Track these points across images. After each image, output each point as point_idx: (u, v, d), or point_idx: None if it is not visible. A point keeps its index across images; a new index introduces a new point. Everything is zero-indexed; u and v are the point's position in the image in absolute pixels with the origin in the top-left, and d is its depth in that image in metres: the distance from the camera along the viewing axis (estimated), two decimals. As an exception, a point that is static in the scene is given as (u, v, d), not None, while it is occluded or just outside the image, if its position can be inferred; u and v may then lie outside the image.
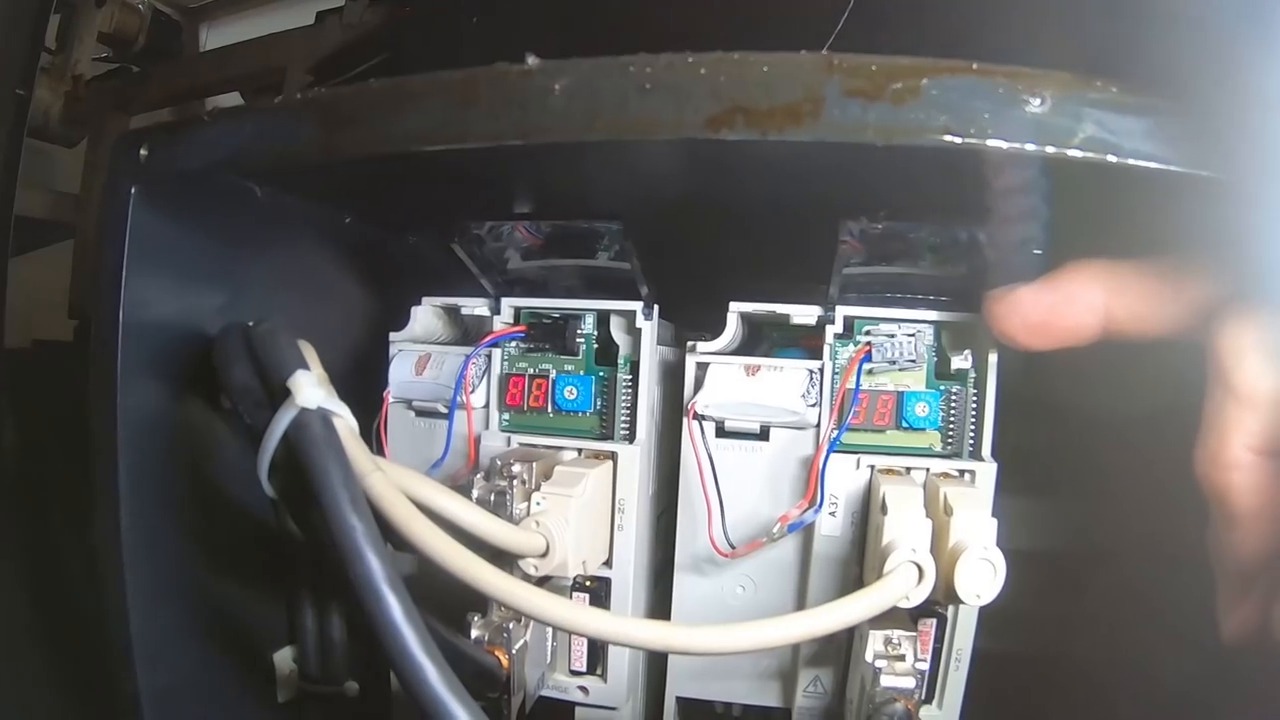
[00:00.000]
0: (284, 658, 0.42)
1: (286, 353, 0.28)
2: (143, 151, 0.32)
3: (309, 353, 0.29)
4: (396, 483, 0.26)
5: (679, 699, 0.38)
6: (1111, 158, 0.23)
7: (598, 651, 0.36)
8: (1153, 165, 0.23)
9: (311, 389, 0.26)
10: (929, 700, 0.35)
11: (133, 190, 0.32)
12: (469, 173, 0.30)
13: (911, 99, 0.23)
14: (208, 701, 0.39)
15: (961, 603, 0.29)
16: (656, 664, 0.38)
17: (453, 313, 0.39)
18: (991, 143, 0.23)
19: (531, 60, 0.24)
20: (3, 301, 0.71)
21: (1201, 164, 0.23)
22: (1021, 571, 0.29)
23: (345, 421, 0.27)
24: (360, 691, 0.41)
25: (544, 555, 0.30)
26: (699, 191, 0.31)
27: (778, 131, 0.23)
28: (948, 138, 0.23)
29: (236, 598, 0.40)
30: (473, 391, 0.36)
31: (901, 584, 0.28)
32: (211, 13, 0.97)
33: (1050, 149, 0.23)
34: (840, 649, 0.35)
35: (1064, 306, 0.28)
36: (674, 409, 0.37)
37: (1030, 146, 0.23)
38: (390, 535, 0.26)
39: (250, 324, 0.33)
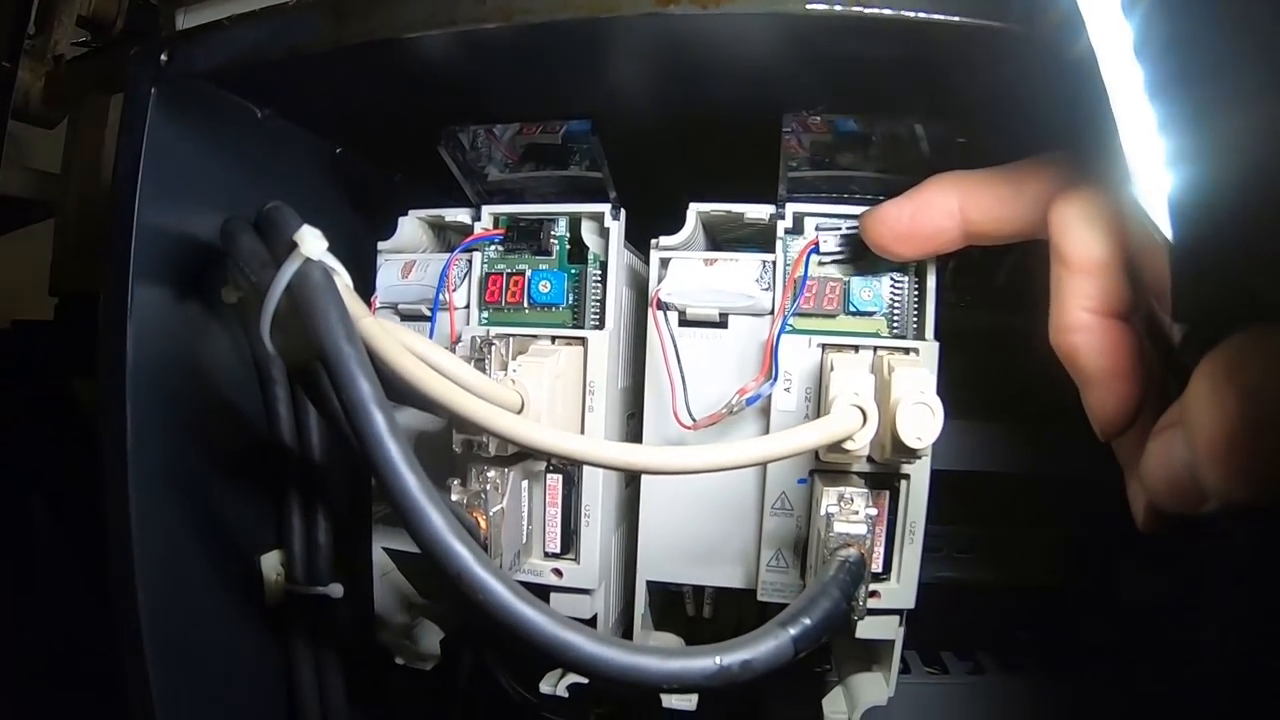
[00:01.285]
0: (270, 561, 0.45)
1: (292, 219, 0.32)
2: (163, 56, 0.37)
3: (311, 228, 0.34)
4: (386, 328, 0.31)
5: (649, 583, 0.42)
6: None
7: (571, 534, 0.40)
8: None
9: (315, 241, 0.30)
10: (885, 575, 0.39)
11: (152, 92, 0.37)
12: (457, 68, 0.35)
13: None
14: (201, 604, 0.43)
15: (908, 451, 0.33)
16: (628, 549, 0.43)
17: (437, 226, 0.44)
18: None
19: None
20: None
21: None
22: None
23: (342, 278, 0.31)
24: (344, 593, 0.45)
25: (519, 411, 0.34)
26: (659, 87, 0.36)
27: (715, 5, 0.28)
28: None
29: (228, 502, 0.44)
30: (455, 291, 0.41)
31: (847, 420, 0.32)
32: (189, -1, 1.03)
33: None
34: (800, 522, 0.40)
35: (922, 213, 0.33)
36: (642, 320, 0.42)
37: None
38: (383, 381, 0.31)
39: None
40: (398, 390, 0.31)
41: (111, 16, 0.91)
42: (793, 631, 0.29)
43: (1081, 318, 0.28)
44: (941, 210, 0.33)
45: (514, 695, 0.50)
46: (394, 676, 0.46)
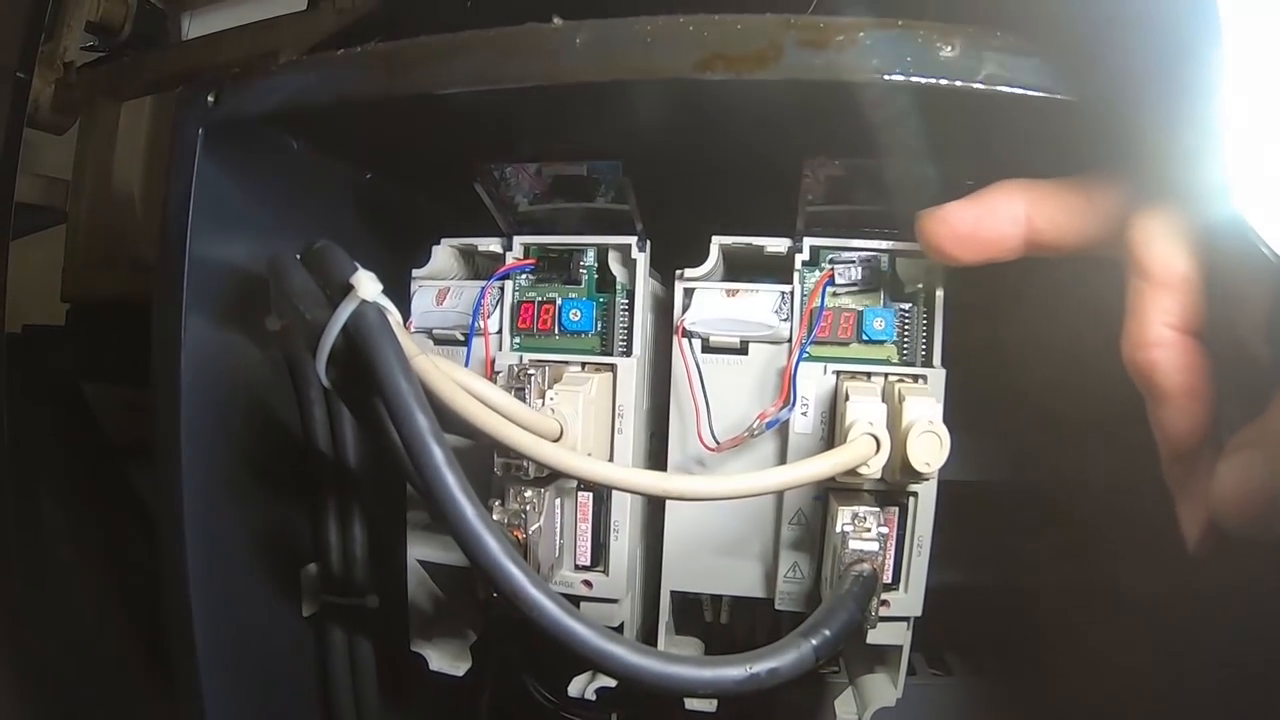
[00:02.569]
0: (309, 572, 0.49)
1: (345, 260, 0.36)
2: (210, 98, 0.40)
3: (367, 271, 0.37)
4: (438, 365, 0.35)
5: (673, 593, 0.46)
6: (1005, 89, 0.32)
7: (600, 547, 0.44)
8: (1038, 94, 0.32)
9: (371, 284, 0.34)
10: (894, 585, 0.43)
11: (200, 133, 0.40)
12: (498, 116, 0.38)
13: (851, 47, 0.32)
14: (245, 614, 0.47)
15: (916, 475, 0.37)
16: (653, 561, 0.46)
17: (467, 253, 0.48)
18: (914, 79, 0.32)
19: (557, 20, 0.32)
20: (4, 286, 0.78)
21: (1077, 91, 0.32)
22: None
23: (394, 316, 0.35)
24: (380, 604, 0.49)
25: (558, 438, 0.38)
26: (687, 132, 0.40)
27: (748, 72, 0.32)
28: (880, 76, 0.32)
29: (269, 517, 0.48)
30: (488, 318, 0.45)
31: (861, 449, 0.36)
32: (193, 1, 1.06)
33: (959, 83, 0.32)
34: (815, 537, 0.43)
35: (988, 218, 0.34)
36: (663, 343, 0.46)
37: (943, 81, 0.32)
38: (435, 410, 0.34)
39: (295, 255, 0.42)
40: (448, 421, 0.35)
41: (119, 21, 0.94)
42: (814, 642, 0.33)
43: (1163, 333, 0.29)
44: (1007, 217, 0.33)
45: (538, 697, 0.54)
46: (429, 682, 0.50)
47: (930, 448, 0.37)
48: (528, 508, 0.40)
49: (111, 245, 0.89)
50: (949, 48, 0.32)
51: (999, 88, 0.32)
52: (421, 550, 0.48)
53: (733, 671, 0.32)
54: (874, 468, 0.37)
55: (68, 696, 0.90)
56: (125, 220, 0.91)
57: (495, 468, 0.39)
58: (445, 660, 0.49)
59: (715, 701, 0.46)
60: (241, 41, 0.86)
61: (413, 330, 0.46)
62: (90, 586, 0.94)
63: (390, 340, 0.33)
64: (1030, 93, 0.32)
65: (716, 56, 0.32)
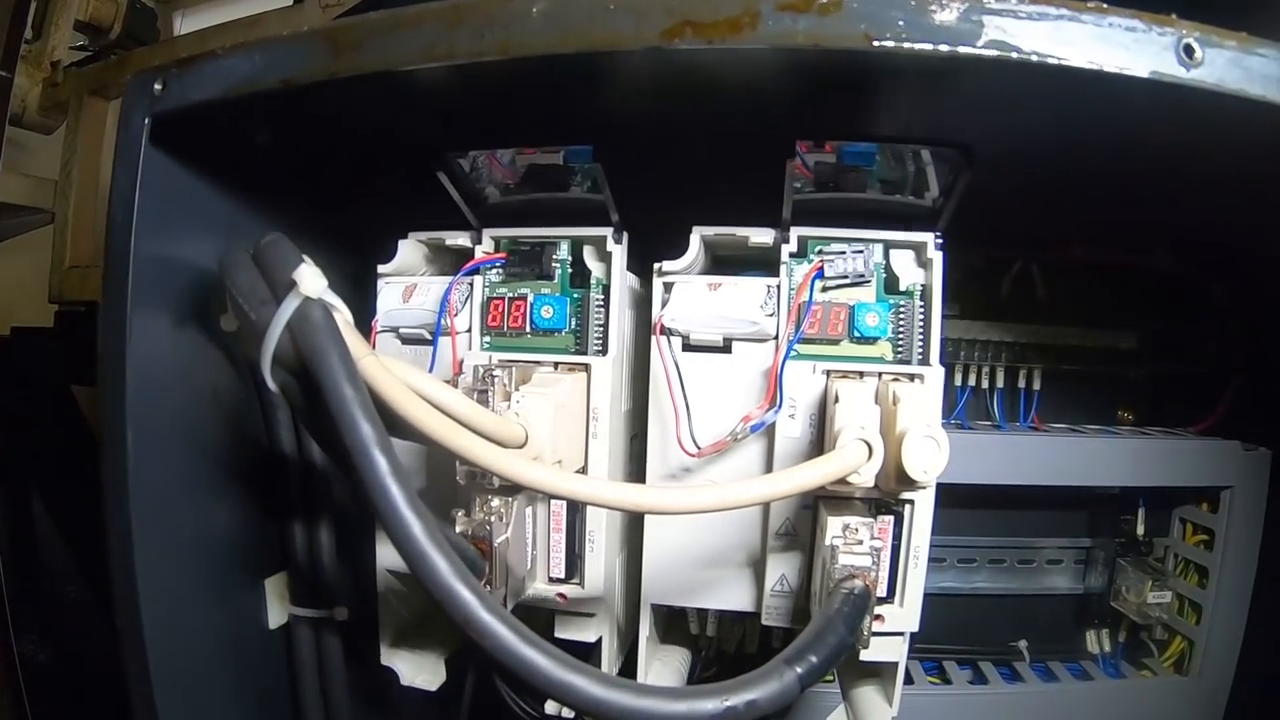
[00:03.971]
0: (275, 583, 0.45)
1: (291, 254, 0.32)
2: (157, 86, 0.36)
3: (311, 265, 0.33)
4: (388, 367, 0.31)
5: (654, 607, 0.42)
6: (1014, 55, 0.28)
7: (575, 559, 0.40)
8: (1053, 62, 0.28)
9: (314, 279, 0.30)
10: (889, 599, 0.39)
11: (146, 121, 0.36)
12: (454, 97, 0.34)
13: (835, 10, 0.28)
14: (205, 626, 0.43)
15: (912, 482, 0.33)
16: (632, 573, 0.42)
17: (437, 248, 0.44)
18: (907, 45, 0.28)
19: (510, -14, 0.28)
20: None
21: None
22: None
23: (342, 314, 0.31)
24: (348, 616, 0.45)
25: (522, 445, 0.34)
26: (660, 113, 0.36)
27: (721, 40, 0.28)
28: (871, 43, 0.28)
29: (231, 525, 0.44)
30: (456, 316, 0.41)
31: (852, 456, 0.32)
32: (184, 1, 1.02)
33: (962, 49, 0.28)
34: (804, 547, 0.39)
35: None
36: (643, 340, 0.41)
37: (943, 47, 0.28)
38: (384, 417, 0.30)
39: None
40: (399, 428, 0.31)
41: (109, 21, 0.90)
42: (799, 670, 0.29)
43: None
44: None
45: (518, 712, 0.50)
46: (401, 697, 0.46)
47: (928, 454, 0.33)
48: (494, 518, 0.36)
49: (99, 247, 0.85)
50: (945, 10, 0.28)
51: (1008, 54, 0.27)
52: (392, 559, 0.44)
53: (708, 705, 0.27)
54: (866, 476, 0.33)
55: (59, 698, 0.87)
56: (113, 220, 0.88)
57: (458, 475, 0.35)
58: (418, 674, 0.45)
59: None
60: (227, 38, 0.82)
61: (378, 329, 0.42)
62: (80, 587, 0.91)
63: (334, 340, 0.29)
64: (1039, 59, 0.28)
65: (685, 23, 0.27)
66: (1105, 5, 0.29)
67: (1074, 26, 0.28)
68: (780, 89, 0.33)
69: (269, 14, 0.81)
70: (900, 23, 0.27)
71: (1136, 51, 0.29)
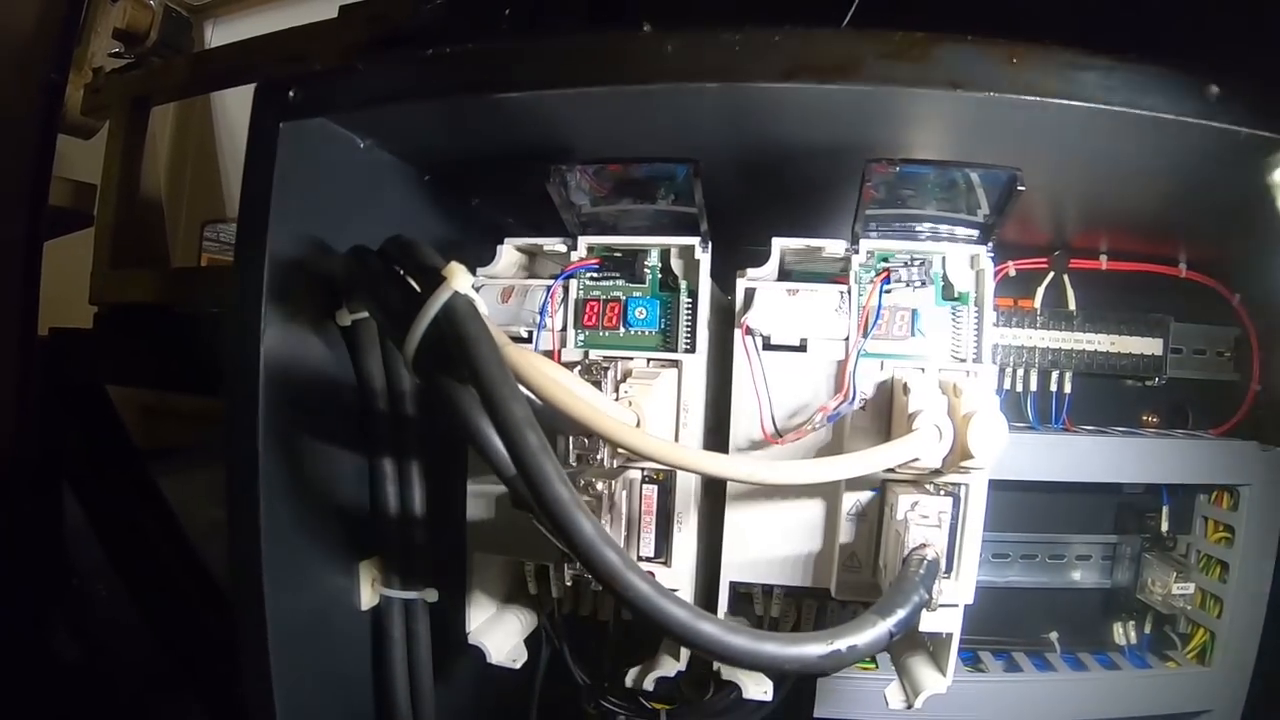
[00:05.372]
0: (368, 567, 0.51)
1: (432, 252, 0.38)
2: (291, 94, 0.43)
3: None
4: (526, 356, 0.37)
5: (732, 584, 0.48)
6: (1077, 102, 0.35)
7: (664, 540, 0.46)
8: (1100, 107, 0.35)
9: (465, 276, 0.36)
10: (948, 573, 0.45)
11: (281, 127, 0.43)
12: (568, 121, 0.41)
13: (925, 60, 0.34)
14: (308, 605, 0.49)
15: (971, 461, 0.40)
16: (712, 552, 0.49)
17: (529, 252, 0.50)
18: (980, 93, 0.34)
19: (647, 27, 0.35)
20: (37, 288, 0.80)
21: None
22: None
23: (484, 307, 0.37)
24: (438, 598, 0.51)
25: (636, 426, 0.40)
26: (761, 145, 0.42)
27: (833, 81, 0.34)
28: (954, 90, 0.35)
29: (333, 508, 0.50)
30: (554, 315, 0.47)
31: (927, 437, 0.39)
32: (215, 9, 1.09)
33: (1028, 96, 0.35)
34: (872, 528, 0.46)
35: None
36: (719, 333, 0.48)
37: (1006, 94, 0.34)
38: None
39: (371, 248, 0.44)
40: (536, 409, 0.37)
41: (145, 28, 0.96)
42: (890, 621, 0.35)
43: None
44: None
45: (585, 686, 0.56)
46: (482, 673, 0.51)
47: (990, 434, 0.39)
48: (602, 499, 0.42)
49: (139, 250, 0.91)
50: (1014, 60, 0.35)
51: (1054, 99, 0.34)
52: (482, 544, 0.50)
53: (817, 648, 0.34)
54: (936, 456, 0.40)
55: (89, 694, 0.91)
56: (153, 225, 0.93)
57: (569, 459, 0.42)
58: (504, 653, 0.51)
59: (771, 691, 0.48)
60: (270, 49, 0.88)
61: (478, 328, 0.48)
62: (112, 586, 0.95)
63: (484, 330, 0.36)
64: (1084, 104, 0.35)
65: (802, 66, 0.34)
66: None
67: (1120, 73, 0.36)
68: (857, 120, 0.40)
69: (312, 26, 0.86)
70: (978, 72, 0.34)
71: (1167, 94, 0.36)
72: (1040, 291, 0.64)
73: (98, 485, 0.93)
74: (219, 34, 1.07)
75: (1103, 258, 0.64)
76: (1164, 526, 0.66)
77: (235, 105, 1.10)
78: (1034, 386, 0.65)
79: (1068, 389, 0.65)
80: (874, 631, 0.35)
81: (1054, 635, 0.68)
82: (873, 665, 0.63)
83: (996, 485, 0.56)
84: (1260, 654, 0.64)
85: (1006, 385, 0.64)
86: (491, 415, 0.35)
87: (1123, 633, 0.68)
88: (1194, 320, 0.65)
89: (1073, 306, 0.64)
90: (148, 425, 1.03)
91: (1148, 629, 0.68)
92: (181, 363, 0.87)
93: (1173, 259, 0.64)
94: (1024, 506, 0.67)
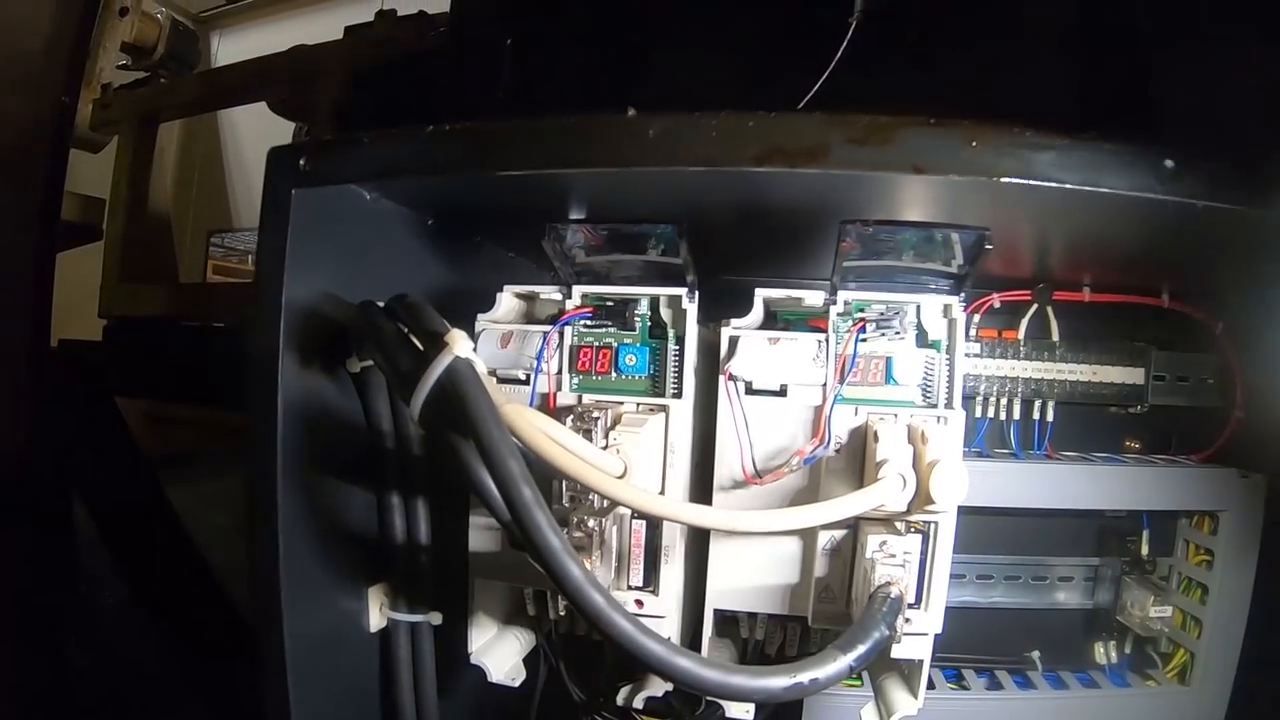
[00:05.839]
0: (376, 592, 0.56)
1: (435, 315, 0.43)
2: (302, 163, 0.48)
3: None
4: (521, 413, 0.42)
5: (716, 611, 0.53)
6: (1035, 181, 0.39)
7: (651, 570, 0.51)
8: (1057, 186, 0.39)
9: (465, 342, 0.41)
10: (917, 604, 0.50)
11: (293, 193, 0.48)
12: (570, 189, 0.46)
13: (889, 144, 0.39)
14: (320, 629, 0.54)
15: (934, 506, 0.45)
16: (699, 581, 0.54)
17: (527, 298, 0.55)
18: (941, 175, 0.39)
19: (631, 112, 0.40)
20: (49, 301, 0.85)
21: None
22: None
23: (482, 368, 0.42)
24: (442, 620, 0.56)
25: (622, 476, 0.45)
26: (734, 203, 0.47)
27: (802, 165, 0.39)
28: (916, 173, 0.39)
29: (344, 538, 0.55)
30: (550, 360, 0.52)
31: (891, 486, 0.43)
32: (222, 21, 1.14)
33: (981, 177, 0.39)
34: (845, 562, 0.51)
35: None
36: (704, 375, 0.53)
37: (967, 176, 0.39)
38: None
39: (378, 303, 0.49)
40: (531, 462, 0.42)
41: (153, 42, 1.01)
42: (850, 656, 0.40)
43: None
44: None
45: (581, 703, 0.61)
46: (482, 691, 0.57)
47: (951, 483, 0.44)
48: (592, 535, 0.47)
49: (147, 263, 0.96)
50: (974, 144, 0.39)
51: (1013, 179, 0.39)
52: (483, 571, 0.56)
53: (781, 680, 0.39)
54: (900, 503, 0.45)
55: (97, 701, 0.97)
56: (161, 239, 0.99)
57: (563, 500, 0.47)
58: (504, 672, 0.56)
59: (752, 709, 0.54)
60: (278, 68, 0.93)
61: (479, 370, 0.53)
62: (118, 594, 1.01)
63: (483, 393, 0.41)
64: (1038, 183, 0.39)
65: (775, 150, 0.39)
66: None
67: (1076, 153, 0.40)
68: (833, 190, 0.45)
69: (322, 46, 0.91)
70: (939, 156, 0.39)
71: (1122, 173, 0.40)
72: (1024, 323, 0.68)
73: (106, 493, 0.99)
74: (225, 45, 1.11)
75: (1085, 289, 0.68)
76: (1144, 550, 0.70)
77: (241, 119, 1.15)
78: (1017, 415, 0.69)
79: (1050, 417, 0.69)
80: (835, 665, 0.40)
81: (1036, 654, 0.73)
82: (858, 683, 0.68)
83: (981, 511, 0.62)
84: (1238, 674, 0.68)
85: (990, 414, 0.69)
86: (489, 470, 0.40)
87: (1104, 652, 0.72)
88: (1177, 349, 0.70)
89: (1056, 337, 0.69)
90: (154, 434, 1.08)
91: (1128, 649, 0.72)
92: (188, 374, 0.93)
93: (1155, 290, 0.69)
94: (1008, 530, 0.72)
